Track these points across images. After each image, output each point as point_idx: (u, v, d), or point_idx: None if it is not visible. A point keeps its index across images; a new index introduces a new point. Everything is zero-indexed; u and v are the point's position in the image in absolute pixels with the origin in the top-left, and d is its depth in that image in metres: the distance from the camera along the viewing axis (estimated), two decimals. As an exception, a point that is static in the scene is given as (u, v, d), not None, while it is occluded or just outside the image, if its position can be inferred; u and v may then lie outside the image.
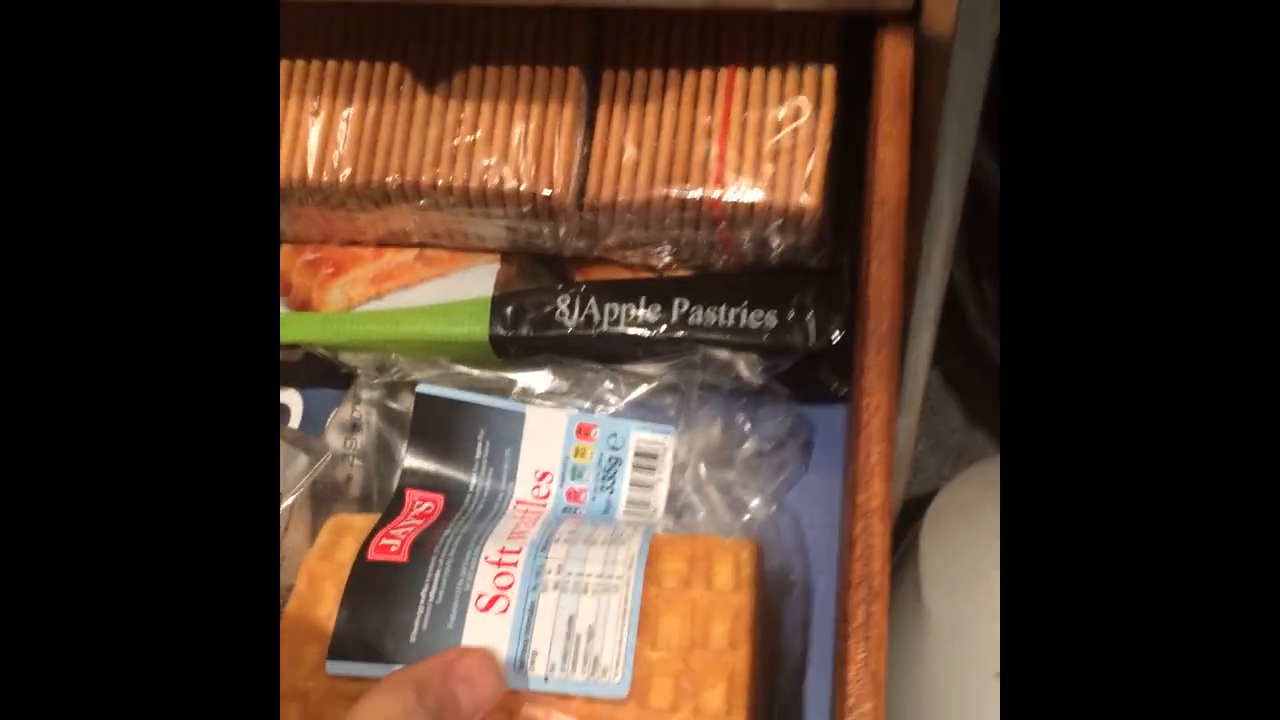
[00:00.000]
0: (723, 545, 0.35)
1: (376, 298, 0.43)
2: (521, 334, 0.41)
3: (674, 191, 0.38)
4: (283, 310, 0.44)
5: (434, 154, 0.39)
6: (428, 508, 0.38)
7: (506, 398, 0.41)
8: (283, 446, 0.42)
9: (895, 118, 0.35)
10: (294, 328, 0.43)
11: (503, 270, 0.43)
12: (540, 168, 0.39)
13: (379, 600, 0.35)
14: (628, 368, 0.41)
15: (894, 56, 0.35)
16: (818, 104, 0.38)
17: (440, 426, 0.40)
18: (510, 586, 0.34)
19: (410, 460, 0.40)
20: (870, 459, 0.31)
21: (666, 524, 0.38)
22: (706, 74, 0.39)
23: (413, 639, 0.34)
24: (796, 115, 0.38)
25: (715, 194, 0.38)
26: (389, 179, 0.40)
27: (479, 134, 0.39)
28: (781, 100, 0.38)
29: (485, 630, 0.33)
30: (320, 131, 0.40)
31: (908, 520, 0.70)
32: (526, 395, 0.41)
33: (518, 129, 0.39)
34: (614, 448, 0.39)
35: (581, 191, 0.39)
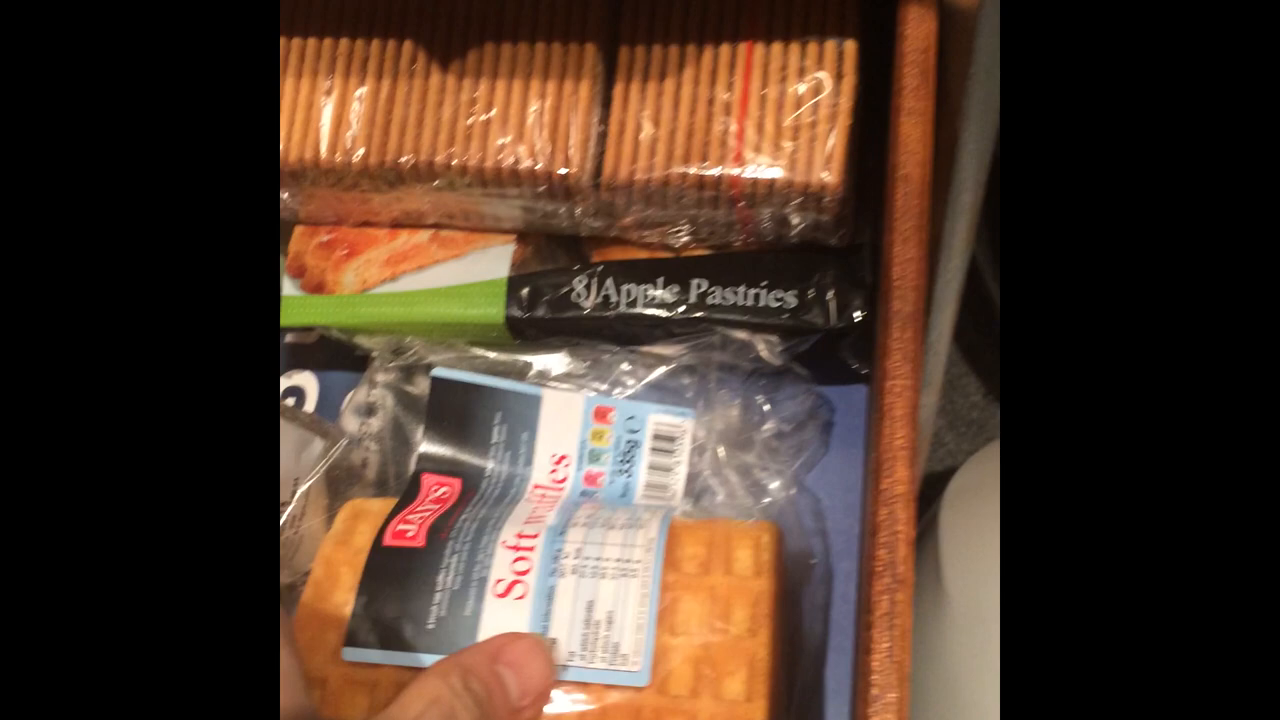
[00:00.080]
0: (742, 529, 0.35)
1: (391, 279, 0.43)
2: (538, 315, 0.41)
3: (692, 169, 0.37)
4: (297, 292, 0.43)
5: (448, 133, 0.39)
6: (444, 492, 0.38)
7: (523, 381, 0.40)
8: (298, 431, 0.42)
9: (919, 92, 0.34)
10: (309, 310, 0.43)
11: (518, 251, 0.42)
12: (556, 146, 0.38)
13: (396, 587, 0.34)
14: (645, 349, 0.40)
15: (918, 29, 0.34)
16: (839, 78, 0.37)
17: (456, 410, 0.40)
18: (528, 572, 0.34)
19: (426, 445, 0.39)
20: (894, 443, 0.30)
21: (685, 507, 0.38)
22: (725, 49, 0.38)
23: (430, 625, 0.34)
24: (817, 90, 0.37)
25: (734, 172, 0.37)
26: (403, 159, 0.39)
27: (494, 112, 0.39)
28: (801, 75, 0.37)
29: (504, 617, 0.33)
30: (333, 112, 0.40)
31: (925, 498, 0.69)
32: (543, 378, 0.41)
33: (533, 107, 0.38)
34: (632, 431, 0.39)
35: (598, 170, 0.39)
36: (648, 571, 0.33)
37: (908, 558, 0.29)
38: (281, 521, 0.40)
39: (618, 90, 0.39)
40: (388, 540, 0.35)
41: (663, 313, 0.40)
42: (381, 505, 0.38)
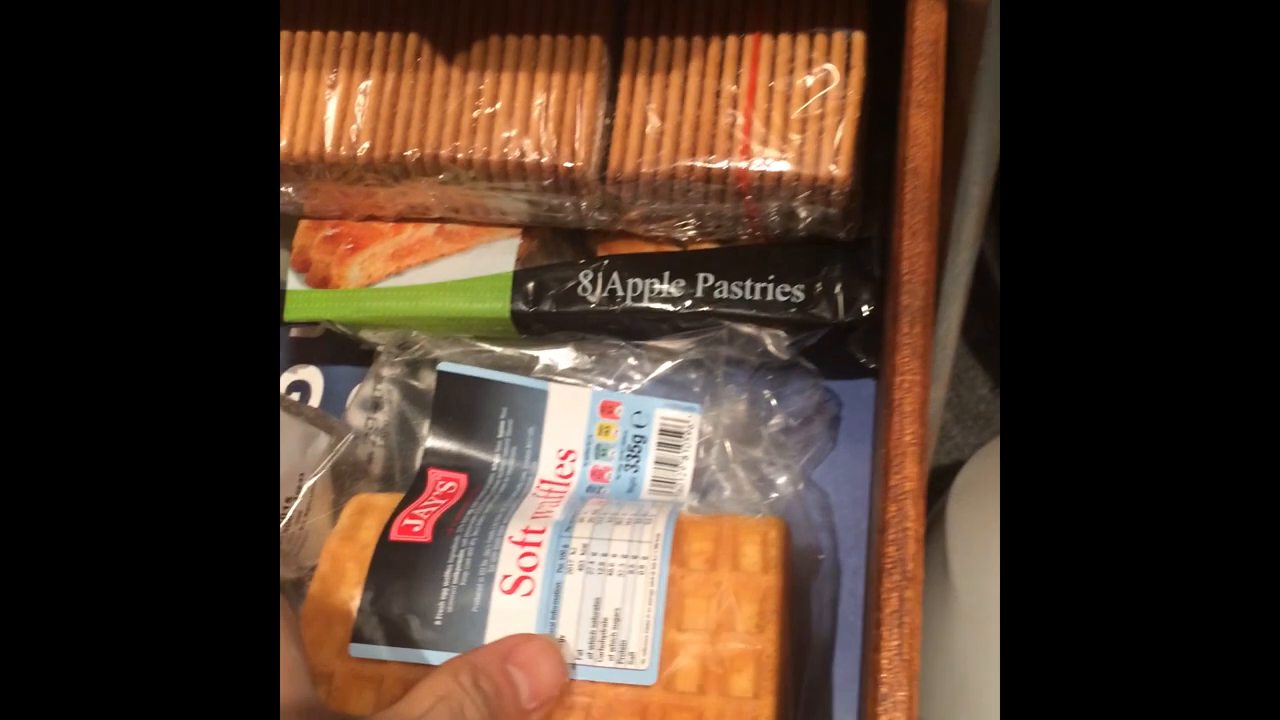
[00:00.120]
0: (749, 525, 0.35)
1: (396, 273, 0.42)
2: (544, 310, 0.41)
3: (699, 163, 0.37)
4: (302, 287, 0.43)
5: (453, 127, 0.39)
6: (450, 487, 0.38)
7: (529, 375, 0.40)
8: (303, 426, 0.41)
9: (928, 84, 0.33)
10: (314, 304, 0.43)
11: (524, 245, 0.42)
12: (562, 140, 0.38)
13: (403, 582, 0.34)
14: (652, 344, 0.40)
15: (927, 21, 0.34)
16: (847, 71, 0.37)
17: (462, 405, 0.39)
18: (534, 568, 0.33)
19: (432, 439, 0.39)
20: (903, 440, 0.30)
21: (692, 502, 0.38)
22: (732, 41, 0.38)
23: (438, 621, 0.33)
24: (825, 83, 0.37)
25: (741, 165, 0.37)
26: (408, 153, 0.39)
27: (499, 106, 0.38)
28: (809, 67, 0.37)
29: (511, 614, 0.33)
30: (337, 105, 0.39)
31: (932, 492, 0.69)
32: (549, 373, 0.41)
33: (538, 100, 0.38)
34: (638, 425, 0.39)
35: (604, 164, 0.38)
36: (655, 568, 0.33)
37: (917, 555, 0.29)
38: (287, 517, 0.40)
39: (624, 83, 0.38)
40: (394, 535, 0.35)
41: (669, 307, 0.40)
42: (387, 500, 0.37)
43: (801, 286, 0.39)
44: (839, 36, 0.37)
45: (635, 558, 0.33)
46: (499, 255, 0.42)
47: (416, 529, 0.35)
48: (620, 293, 0.40)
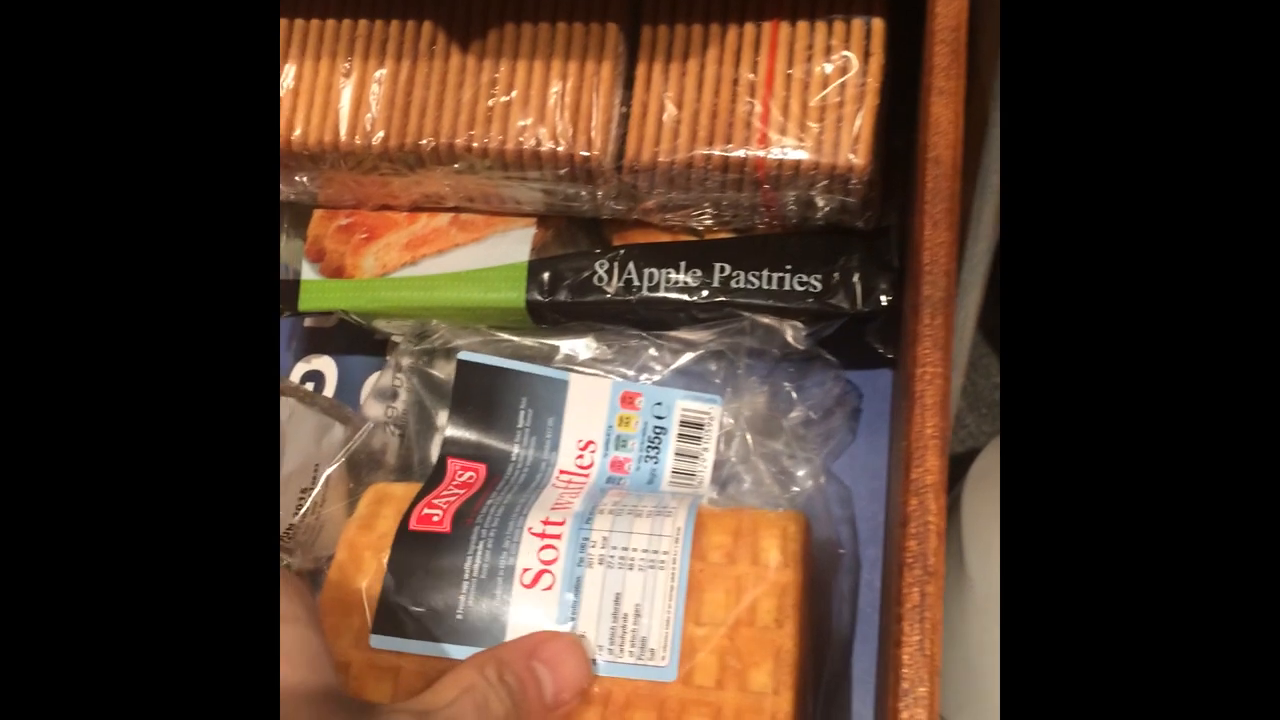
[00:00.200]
0: (769, 519, 0.34)
1: (411, 263, 0.42)
2: (559, 300, 0.40)
3: (716, 151, 0.37)
4: (316, 276, 0.43)
5: (468, 115, 0.38)
6: (470, 477, 0.38)
7: (549, 365, 0.40)
8: (318, 416, 0.41)
9: (950, 72, 0.33)
10: (328, 294, 0.43)
11: (539, 234, 0.42)
12: (578, 128, 0.38)
13: (423, 574, 0.34)
14: (672, 335, 0.40)
15: (949, 7, 0.33)
16: (866, 58, 0.37)
17: (482, 394, 0.39)
18: (555, 561, 0.33)
19: (452, 429, 0.39)
20: (925, 432, 0.30)
21: (712, 495, 0.38)
22: (749, 28, 0.37)
23: (459, 615, 0.33)
24: (844, 70, 0.36)
25: (759, 153, 0.36)
26: (423, 142, 0.38)
27: (514, 94, 0.38)
28: (828, 54, 0.37)
29: (531, 608, 0.33)
30: (352, 94, 0.39)
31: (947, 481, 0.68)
32: (569, 363, 0.40)
33: (554, 88, 0.38)
34: (659, 417, 0.39)
35: (620, 153, 0.38)
36: (675, 563, 0.33)
37: (938, 549, 0.29)
38: (304, 507, 0.39)
39: (640, 71, 0.38)
40: (414, 524, 0.35)
41: (685, 297, 0.40)
42: (405, 490, 0.37)
43: (819, 276, 0.39)
44: (858, 23, 0.37)
45: (656, 552, 0.33)
46: (514, 245, 0.42)
47: (436, 519, 0.35)
48: (636, 282, 0.40)
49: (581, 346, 0.40)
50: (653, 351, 0.40)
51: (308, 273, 0.43)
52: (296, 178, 0.41)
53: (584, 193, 0.39)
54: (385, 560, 0.34)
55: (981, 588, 0.60)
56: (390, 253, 0.42)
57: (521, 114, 0.38)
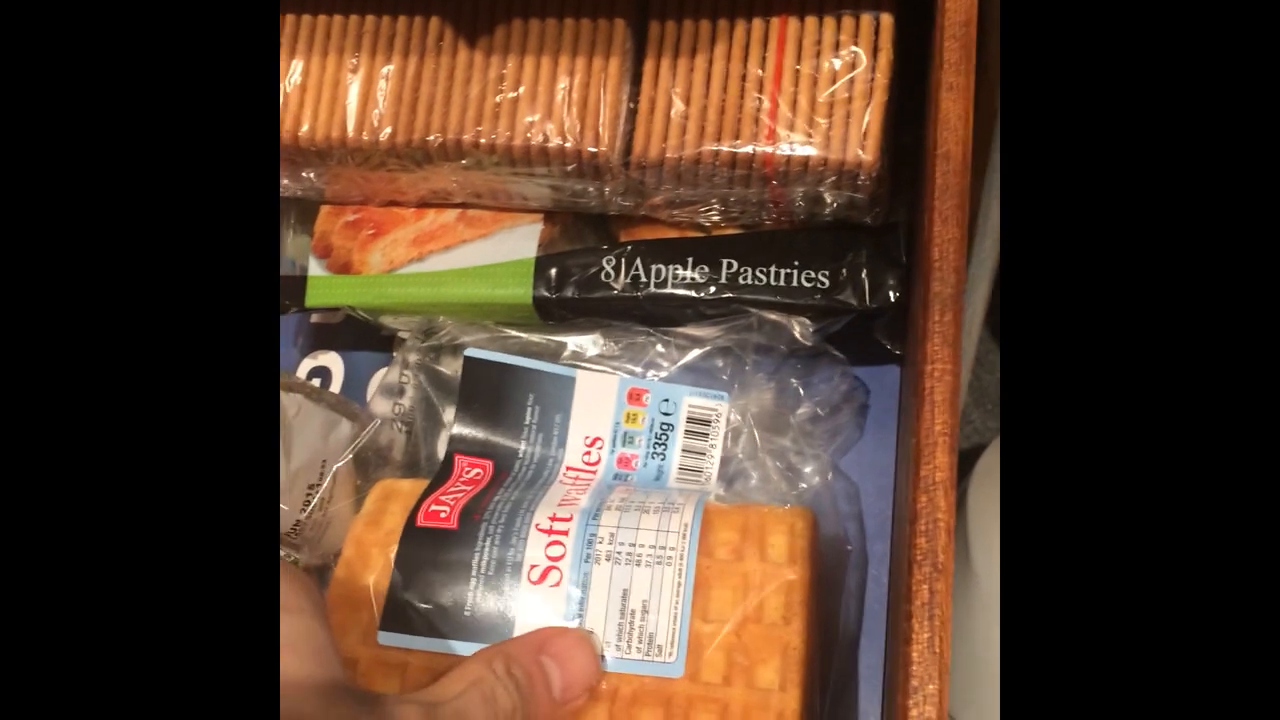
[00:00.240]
0: (776, 515, 0.34)
1: (418, 259, 0.42)
2: (566, 296, 0.40)
3: (724, 147, 0.37)
4: (323, 272, 0.43)
5: (476, 111, 0.38)
6: (477, 474, 0.38)
7: (556, 362, 0.40)
8: (325, 412, 0.41)
9: (960, 67, 0.33)
10: (335, 290, 0.43)
11: (546, 230, 0.42)
12: (585, 125, 0.37)
13: (430, 570, 0.34)
14: (680, 331, 0.40)
15: (959, 2, 0.33)
16: (875, 53, 0.36)
17: (489, 391, 0.39)
18: (562, 557, 0.33)
19: (459, 425, 0.39)
20: (934, 429, 0.30)
21: (719, 491, 0.38)
22: (757, 24, 0.37)
23: (466, 612, 0.33)
24: (853, 66, 0.36)
25: (767, 149, 0.36)
26: (430, 138, 0.38)
27: (522, 90, 0.38)
28: (837, 50, 0.36)
29: (540, 605, 0.33)
30: (359, 90, 0.39)
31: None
32: (576, 359, 0.40)
33: (562, 84, 0.38)
34: (666, 413, 0.39)
35: (628, 149, 0.38)
36: (682, 559, 0.33)
37: (947, 546, 0.29)
38: (311, 503, 0.40)
39: (648, 66, 0.38)
40: (421, 521, 0.35)
41: (693, 293, 0.39)
42: (412, 486, 0.37)
43: (827, 272, 0.39)
44: (867, 18, 0.37)
45: (663, 548, 0.33)
46: (521, 241, 0.42)
47: (443, 515, 0.35)
48: (644, 279, 0.40)
49: (588, 343, 0.40)
50: (660, 348, 0.40)
51: (315, 269, 0.43)
52: (304, 173, 0.41)
53: (591, 189, 0.39)
54: (393, 557, 0.34)
55: (987, 584, 0.60)
56: (397, 249, 0.42)
57: (529, 110, 0.38)
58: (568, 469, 0.38)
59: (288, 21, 0.40)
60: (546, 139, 0.38)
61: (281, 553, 0.39)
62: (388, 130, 0.39)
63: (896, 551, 0.35)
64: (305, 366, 0.48)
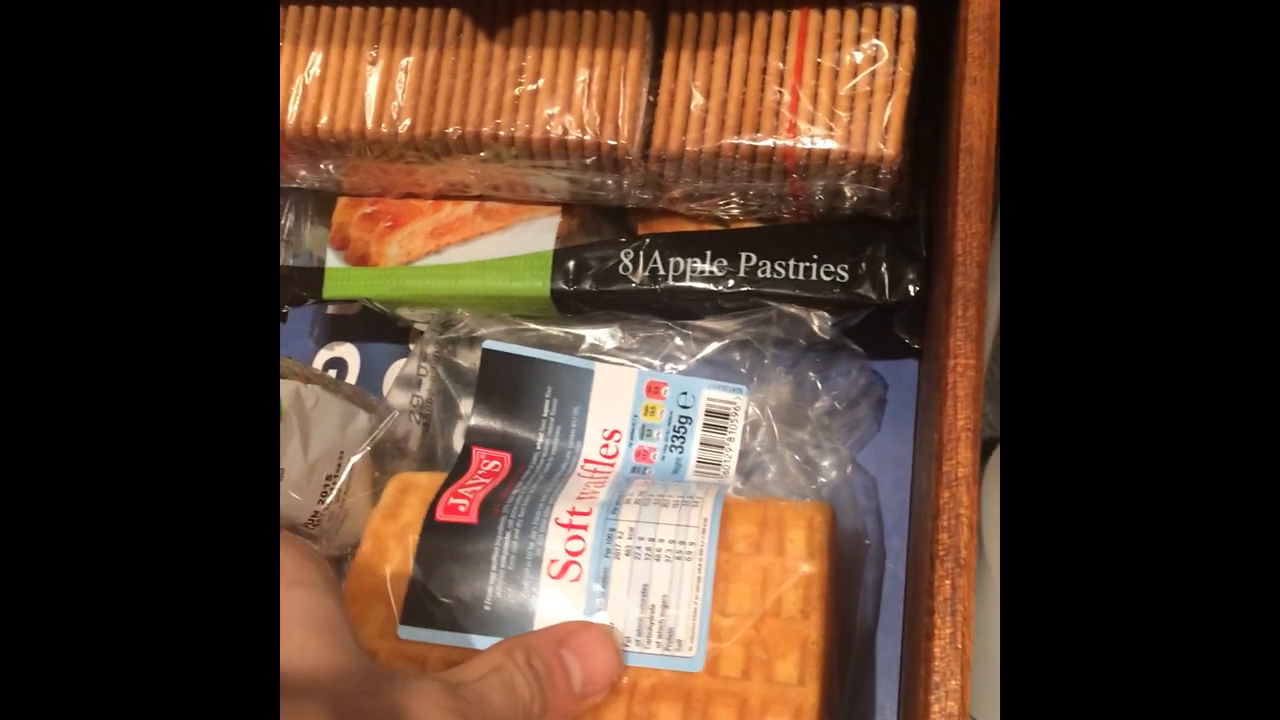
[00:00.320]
0: (795, 509, 0.34)
1: (435, 252, 0.42)
2: (584, 289, 0.40)
3: (744, 141, 0.37)
4: (341, 264, 0.43)
5: (495, 104, 0.38)
6: (495, 466, 0.38)
7: (574, 355, 0.40)
8: (343, 404, 0.41)
9: (983, 61, 0.33)
10: (352, 282, 0.43)
11: (564, 223, 0.42)
12: (605, 117, 0.37)
13: (450, 564, 0.34)
14: (698, 324, 0.40)
15: (982, -4, 0.33)
16: (896, 46, 0.36)
17: (507, 383, 0.39)
18: (582, 552, 0.33)
19: (477, 417, 0.39)
20: (957, 424, 0.30)
21: (737, 484, 0.38)
22: (778, 16, 0.37)
23: (486, 606, 0.33)
24: (874, 59, 0.36)
25: (788, 143, 0.36)
26: (449, 130, 0.38)
27: (541, 82, 0.38)
28: (858, 43, 0.36)
29: (560, 600, 0.33)
30: (379, 82, 0.39)
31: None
32: (595, 352, 0.40)
33: (581, 77, 0.38)
34: (684, 406, 0.39)
35: (647, 142, 0.38)
36: (702, 554, 0.33)
37: (970, 542, 0.29)
38: (329, 495, 0.40)
39: (668, 59, 0.38)
40: (440, 515, 0.35)
41: (711, 286, 0.39)
42: (429, 479, 0.37)
43: (846, 266, 0.39)
44: (889, 11, 0.36)
45: (682, 543, 0.33)
46: (539, 234, 0.41)
47: (462, 509, 0.35)
48: (662, 272, 0.40)
49: (607, 336, 0.40)
50: (678, 341, 0.40)
51: (332, 260, 0.43)
52: (322, 165, 0.41)
53: (610, 181, 0.39)
54: (411, 550, 0.35)
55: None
56: (415, 241, 0.42)
57: (548, 102, 0.38)
58: (586, 461, 0.38)
59: (307, 13, 0.40)
60: (566, 132, 0.38)
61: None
62: (406, 122, 0.39)
63: (917, 546, 0.35)
64: (321, 358, 0.48)
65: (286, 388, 0.38)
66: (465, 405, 0.41)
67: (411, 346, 0.44)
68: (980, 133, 0.32)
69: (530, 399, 0.39)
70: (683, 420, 0.38)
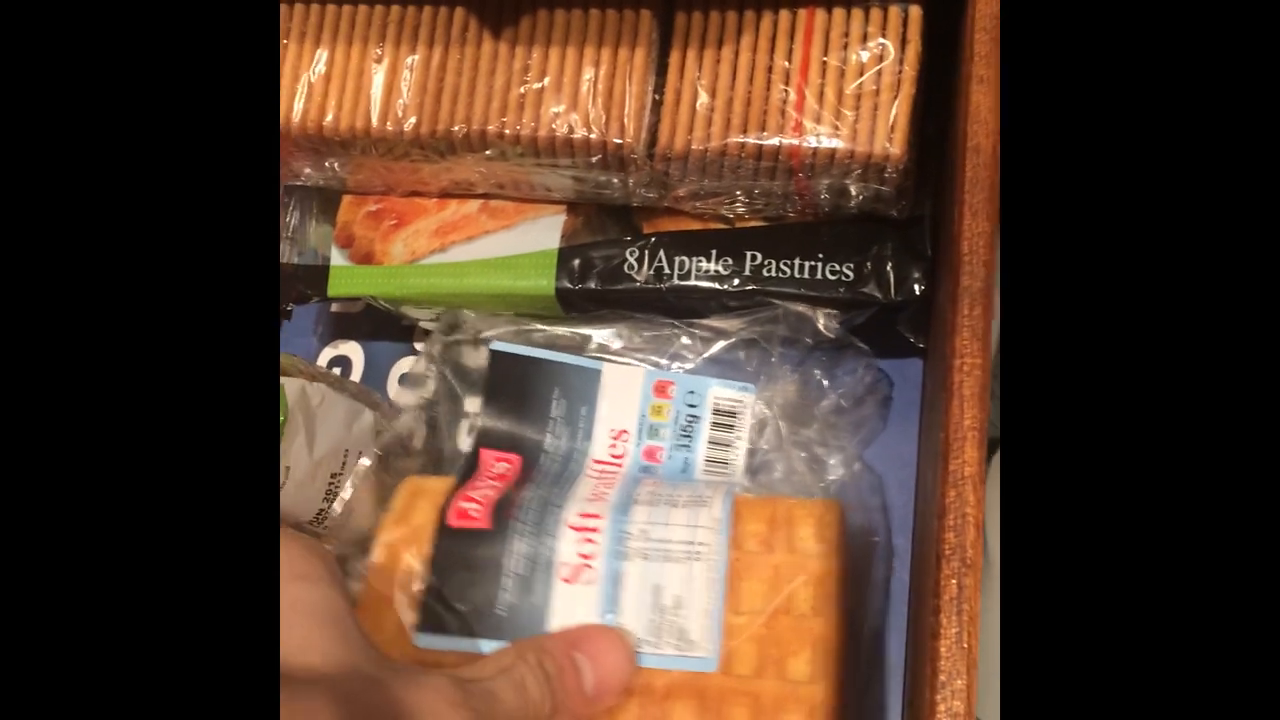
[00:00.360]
0: (805, 507, 0.34)
1: (440, 250, 0.42)
2: (589, 287, 0.40)
3: (750, 140, 0.36)
4: (345, 262, 0.43)
5: (501, 102, 0.38)
6: (504, 468, 0.38)
7: (582, 355, 0.40)
8: (348, 402, 0.41)
9: (990, 60, 0.33)
10: (357, 280, 0.43)
11: (569, 222, 0.42)
12: (610, 116, 0.37)
13: (464, 570, 0.34)
14: (705, 323, 0.40)
15: (988, -5, 0.33)
16: (903, 45, 0.36)
17: (515, 384, 0.39)
18: (594, 555, 0.33)
19: (485, 419, 0.39)
20: (963, 424, 0.30)
21: (744, 483, 0.38)
22: (784, 14, 0.37)
23: (501, 611, 0.33)
24: (880, 58, 0.36)
25: (793, 142, 0.36)
26: (454, 128, 0.38)
27: (547, 81, 0.38)
28: (864, 42, 0.36)
29: (573, 603, 0.33)
30: (384, 80, 0.39)
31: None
32: (602, 352, 0.40)
33: (587, 75, 0.38)
34: (692, 405, 0.39)
35: (653, 140, 0.38)
36: (714, 554, 0.33)
37: (976, 541, 0.29)
38: (334, 493, 0.40)
39: (673, 58, 0.38)
40: (453, 521, 0.35)
41: (716, 285, 0.39)
42: (440, 483, 0.37)
43: (851, 265, 0.39)
44: (895, 10, 0.36)
45: (694, 543, 0.33)
46: (544, 232, 0.41)
47: (474, 513, 0.35)
48: (667, 271, 0.40)
49: (613, 335, 0.40)
50: (685, 340, 0.40)
51: (337, 259, 0.43)
52: (327, 163, 0.41)
53: (615, 180, 0.39)
54: (424, 556, 0.34)
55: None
56: (419, 239, 0.42)
57: (554, 101, 0.38)
58: (594, 462, 0.38)
59: (313, 11, 0.40)
60: (571, 130, 0.38)
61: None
62: (412, 120, 0.39)
63: (922, 546, 0.35)
64: (326, 355, 0.48)
65: (292, 385, 0.38)
66: (470, 403, 0.41)
67: (418, 346, 0.44)
68: (987, 132, 0.32)
69: (538, 400, 0.39)
70: (690, 419, 0.38)
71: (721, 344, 0.39)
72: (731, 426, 0.38)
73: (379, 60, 0.39)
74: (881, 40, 0.36)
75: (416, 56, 0.39)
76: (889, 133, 0.36)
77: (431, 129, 0.38)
